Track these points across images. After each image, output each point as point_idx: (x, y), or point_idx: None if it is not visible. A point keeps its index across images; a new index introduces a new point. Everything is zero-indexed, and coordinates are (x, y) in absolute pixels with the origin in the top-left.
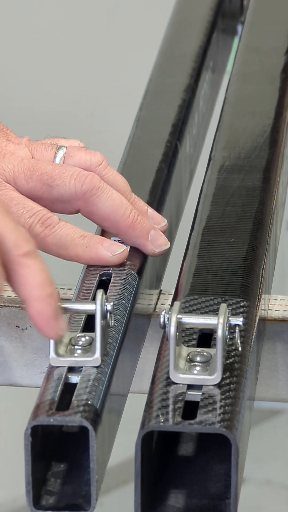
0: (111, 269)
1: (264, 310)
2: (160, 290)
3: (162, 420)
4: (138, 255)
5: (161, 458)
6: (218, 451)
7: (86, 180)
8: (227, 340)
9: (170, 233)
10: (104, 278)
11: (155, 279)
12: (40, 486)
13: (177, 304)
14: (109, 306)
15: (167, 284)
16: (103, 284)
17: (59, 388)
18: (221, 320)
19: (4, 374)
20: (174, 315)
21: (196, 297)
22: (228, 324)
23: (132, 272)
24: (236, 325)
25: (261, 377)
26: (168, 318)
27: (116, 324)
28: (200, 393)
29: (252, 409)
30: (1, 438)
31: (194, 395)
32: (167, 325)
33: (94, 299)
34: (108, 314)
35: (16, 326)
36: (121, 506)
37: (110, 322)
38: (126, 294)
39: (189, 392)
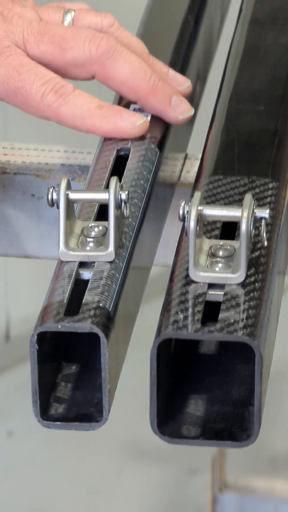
0: (129, 143)
1: None
2: (186, 155)
3: (179, 327)
4: (159, 126)
5: (180, 360)
6: (242, 349)
7: (101, 42)
8: (252, 234)
9: (195, 93)
10: (122, 153)
11: (178, 150)
12: (48, 392)
13: (197, 194)
14: (123, 195)
15: (193, 149)
16: (121, 160)
17: (69, 288)
18: (245, 214)
19: (19, 246)
20: (194, 207)
21: (221, 177)
22: (253, 217)
23: (153, 146)
24: (262, 217)
25: None
26: (187, 210)
27: (133, 210)
28: (222, 293)
29: (280, 305)
30: (18, 308)
31: (216, 295)
32: (186, 218)
33: (108, 185)
34: (123, 204)
35: (32, 195)
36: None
37: (125, 212)
38: (145, 173)
39: (210, 292)
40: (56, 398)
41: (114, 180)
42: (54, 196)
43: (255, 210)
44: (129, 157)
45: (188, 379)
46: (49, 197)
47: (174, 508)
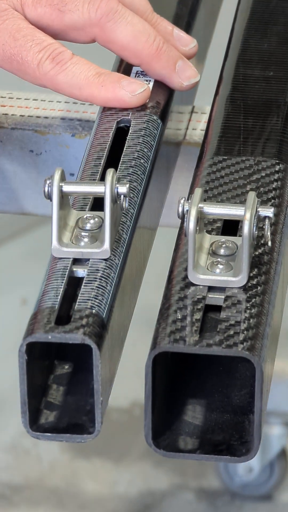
0: (130, 114)
1: None
2: (193, 107)
3: (176, 339)
4: (162, 93)
5: (178, 359)
6: None
7: (101, 4)
8: (255, 235)
9: (202, 52)
10: (121, 125)
11: (184, 105)
12: (39, 397)
13: (198, 191)
14: (121, 189)
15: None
16: (121, 133)
17: (61, 290)
18: (247, 216)
19: (18, 203)
20: (194, 206)
21: (225, 157)
22: (256, 216)
23: (155, 117)
24: (266, 217)
25: None
26: (187, 209)
27: (132, 196)
28: (223, 297)
29: (282, 311)
30: (15, 259)
31: (216, 299)
32: (185, 218)
33: (103, 178)
34: (122, 197)
35: (30, 151)
36: None
37: (123, 204)
38: (145, 150)
39: (210, 295)
40: (47, 403)
41: (110, 172)
42: (49, 189)
43: (259, 209)
44: (129, 131)
45: (186, 380)
46: (45, 189)
47: None
